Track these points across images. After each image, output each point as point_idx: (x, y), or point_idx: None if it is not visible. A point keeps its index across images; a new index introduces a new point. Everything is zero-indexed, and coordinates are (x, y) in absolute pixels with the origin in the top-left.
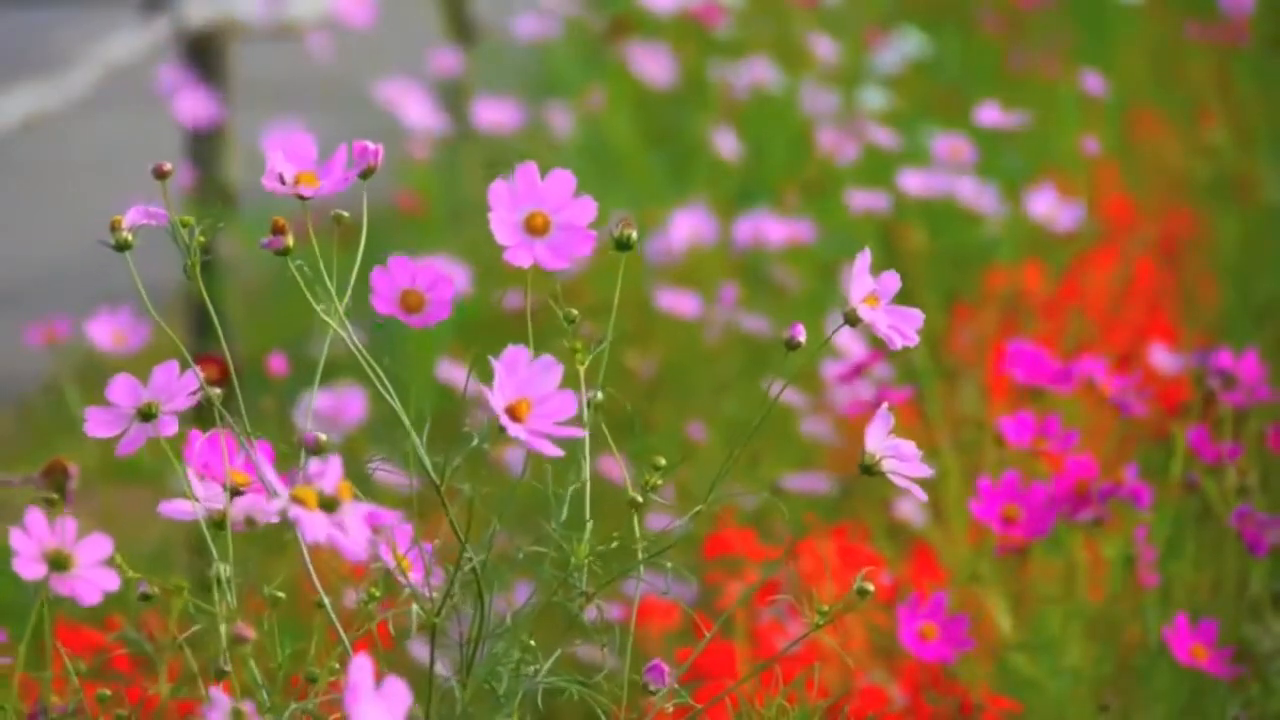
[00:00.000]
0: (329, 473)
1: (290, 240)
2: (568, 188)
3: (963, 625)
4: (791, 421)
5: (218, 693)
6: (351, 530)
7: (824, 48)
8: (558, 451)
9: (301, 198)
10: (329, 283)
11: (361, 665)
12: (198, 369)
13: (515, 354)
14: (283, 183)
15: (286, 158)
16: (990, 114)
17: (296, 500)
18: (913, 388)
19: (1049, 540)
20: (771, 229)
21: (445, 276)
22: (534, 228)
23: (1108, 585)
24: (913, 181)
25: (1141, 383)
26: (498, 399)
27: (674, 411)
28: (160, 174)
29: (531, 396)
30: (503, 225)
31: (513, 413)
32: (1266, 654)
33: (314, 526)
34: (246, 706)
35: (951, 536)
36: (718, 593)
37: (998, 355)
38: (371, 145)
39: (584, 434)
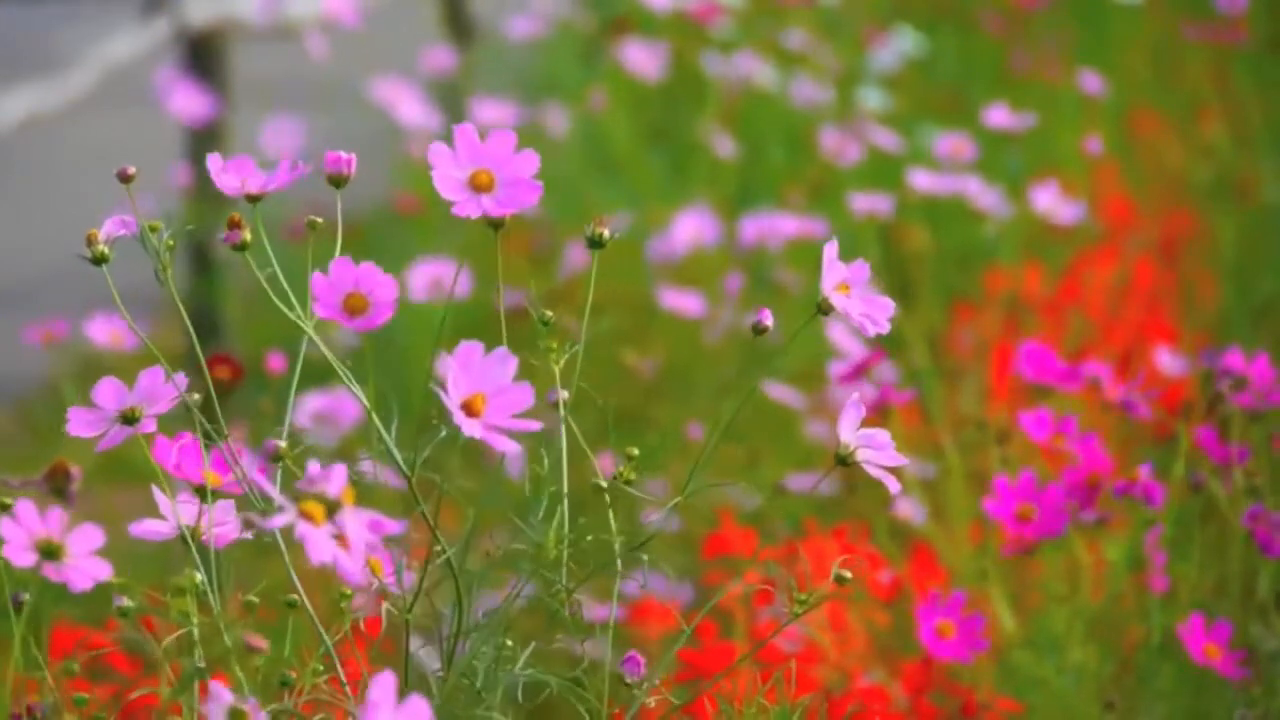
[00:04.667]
0: (334, 477)
1: (248, 235)
2: (508, 145)
3: (978, 624)
4: (793, 422)
5: (218, 687)
6: (352, 536)
7: (821, 48)
8: (515, 446)
9: (250, 198)
10: (299, 288)
11: (384, 682)
12: (181, 378)
13: (469, 349)
14: (222, 175)
15: (229, 170)
16: (998, 115)
17: (304, 516)
18: (914, 388)
19: (1053, 539)
20: (781, 224)
21: (386, 279)
22: (479, 185)
23: (1111, 585)
24: (920, 180)
25: (1146, 384)
26: (452, 395)
27: (675, 411)
28: (124, 178)
29: (487, 390)
30: (446, 181)
31: (469, 408)
32: (1271, 654)
33: (320, 547)
34: (248, 704)
35: (953, 536)
36: (718, 593)
37: (999, 355)
38: (344, 155)
39: (540, 427)
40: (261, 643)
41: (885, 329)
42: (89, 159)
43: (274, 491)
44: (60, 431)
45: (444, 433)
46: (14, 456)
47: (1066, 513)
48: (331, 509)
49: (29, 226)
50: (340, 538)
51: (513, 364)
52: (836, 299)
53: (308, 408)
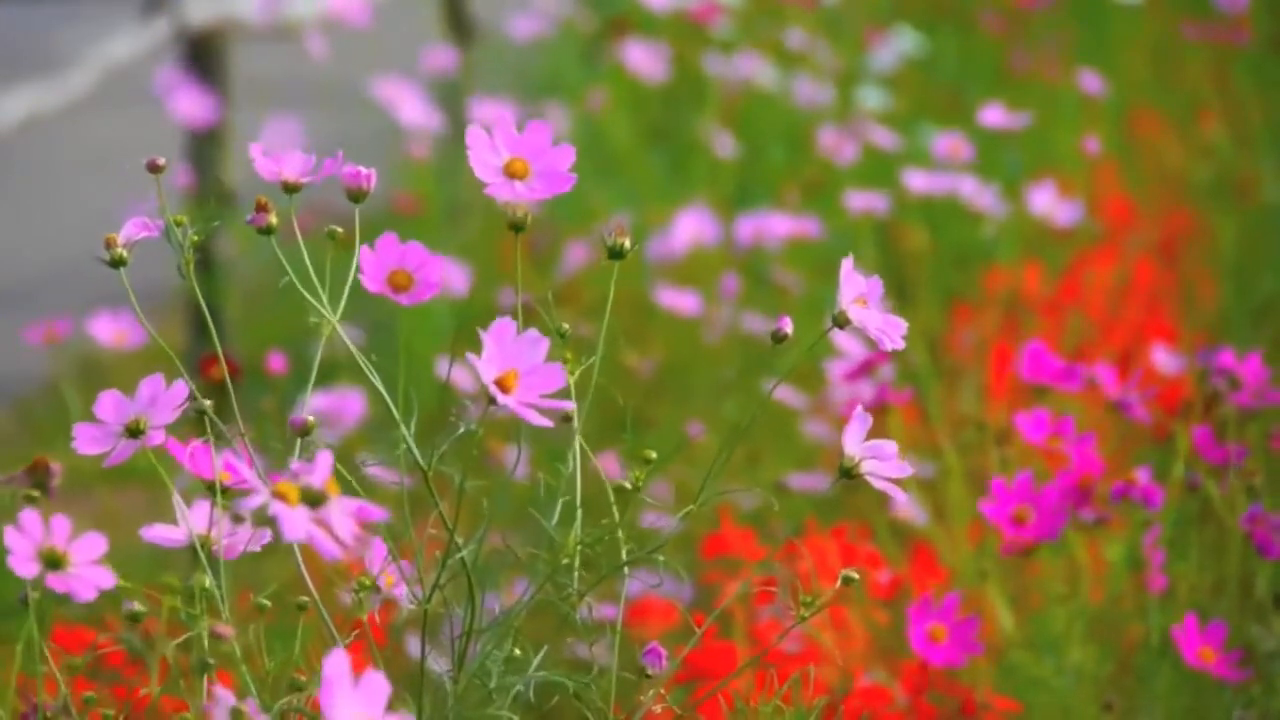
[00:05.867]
0: (318, 468)
1: (274, 218)
2: (545, 138)
3: (972, 628)
4: (792, 422)
5: (221, 690)
6: (338, 525)
7: (820, 48)
8: (546, 422)
9: (288, 188)
10: (323, 285)
11: (337, 659)
12: (187, 375)
13: (502, 326)
14: (263, 159)
15: (269, 157)
16: (994, 115)
17: (278, 496)
18: (913, 388)
19: (1051, 541)
20: (775, 224)
21: (433, 257)
22: (514, 173)
23: (1110, 585)
24: (915, 181)
25: (1143, 383)
26: (487, 369)
27: (674, 411)
28: (154, 168)
29: (519, 368)
30: (483, 165)
31: (501, 384)
32: (1269, 654)
33: (293, 524)
34: (248, 705)
35: (952, 536)
36: (717, 593)
37: (998, 355)
38: (364, 170)
39: (572, 405)
40: (229, 631)
41: (900, 345)
42: (89, 159)
43: (251, 476)
44: (60, 431)
45: (461, 429)
46: (14, 456)
47: (1063, 515)
48: (317, 500)
49: (29, 226)
50: (320, 521)
51: (544, 345)
52: (855, 312)
53: (309, 407)
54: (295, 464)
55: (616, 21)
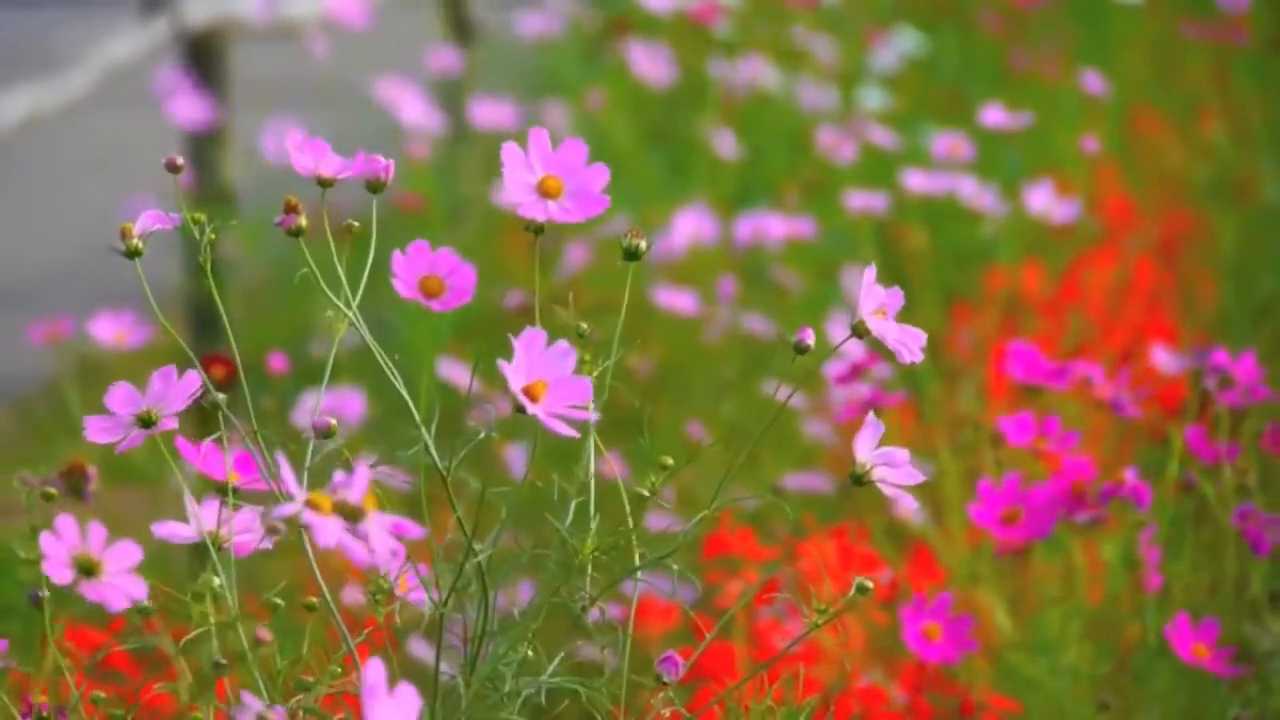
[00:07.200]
0: (356, 482)
1: (303, 220)
2: (580, 157)
3: (967, 626)
4: (791, 422)
5: (249, 696)
6: (377, 540)
7: (822, 48)
8: (572, 432)
9: (322, 183)
10: (338, 280)
11: (377, 667)
12: (201, 371)
13: (533, 335)
14: (299, 153)
15: (305, 150)
16: (994, 115)
17: (310, 506)
18: (911, 389)
19: (1048, 540)
20: (772, 225)
21: (464, 265)
22: (547, 191)
23: (1106, 585)
24: (914, 180)
25: (1139, 383)
26: (516, 377)
27: (673, 411)
28: (173, 168)
29: (547, 378)
30: (516, 184)
31: (529, 393)
32: (1265, 653)
33: (327, 532)
34: (276, 712)
35: (950, 537)
36: (717, 592)
37: (997, 355)
38: (383, 160)
39: (596, 417)
40: (268, 635)
41: (919, 357)
42: (89, 159)
43: (290, 481)
44: (60, 431)
45: (480, 435)
46: (15, 456)
47: (1053, 512)
48: (355, 515)
49: (29, 226)
50: (352, 530)
51: (573, 358)
52: (873, 323)
53: (309, 406)
54: (338, 478)
55: (617, 21)
